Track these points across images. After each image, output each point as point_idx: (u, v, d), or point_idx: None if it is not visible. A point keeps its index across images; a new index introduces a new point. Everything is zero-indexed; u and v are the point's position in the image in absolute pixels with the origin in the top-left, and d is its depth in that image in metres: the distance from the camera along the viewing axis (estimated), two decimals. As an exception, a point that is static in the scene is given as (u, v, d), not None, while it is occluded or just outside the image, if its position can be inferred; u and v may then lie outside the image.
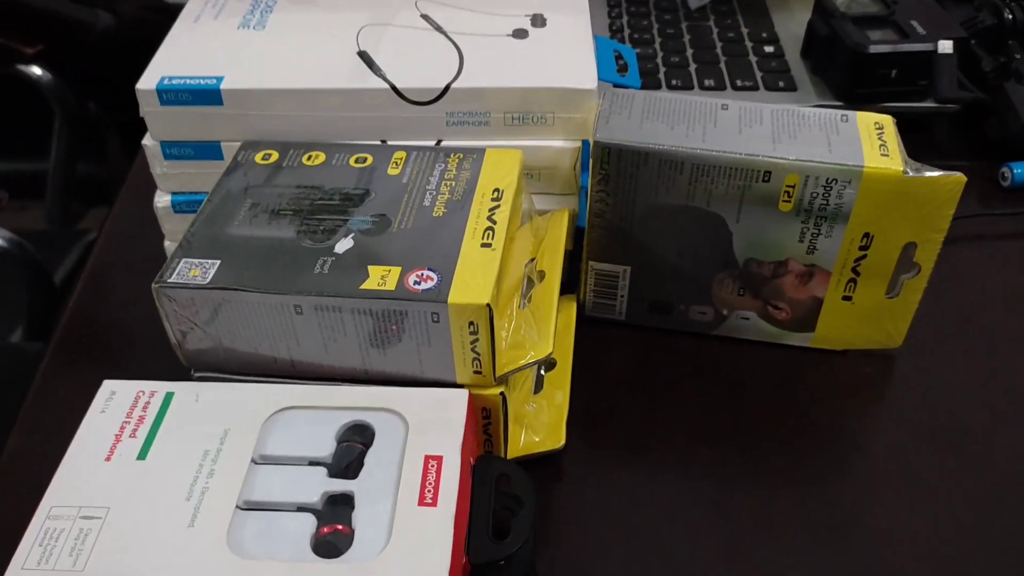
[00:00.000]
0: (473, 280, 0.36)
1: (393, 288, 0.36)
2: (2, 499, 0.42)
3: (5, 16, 1.01)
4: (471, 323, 0.36)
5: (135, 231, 0.57)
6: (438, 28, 0.48)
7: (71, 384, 0.47)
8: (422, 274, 0.37)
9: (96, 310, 0.52)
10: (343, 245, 0.38)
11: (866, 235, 0.42)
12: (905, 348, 0.47)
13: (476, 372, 0.38)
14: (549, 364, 0.45)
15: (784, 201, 0.42)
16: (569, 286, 0.49)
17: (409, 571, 0.32)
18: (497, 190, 0.41)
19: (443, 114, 0.45)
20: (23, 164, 1.33)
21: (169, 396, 0.38)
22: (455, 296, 0.36)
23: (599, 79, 0.47)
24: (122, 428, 0.37)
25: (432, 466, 0.35)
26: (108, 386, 0.38)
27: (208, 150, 0.46)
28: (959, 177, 0.40)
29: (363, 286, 0.36)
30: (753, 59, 0.66)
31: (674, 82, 0.64)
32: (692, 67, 0.65)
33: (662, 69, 0.65)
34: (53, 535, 0.33)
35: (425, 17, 0.49)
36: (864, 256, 0.43)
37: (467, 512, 0.35)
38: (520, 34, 0.48)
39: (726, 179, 0.41)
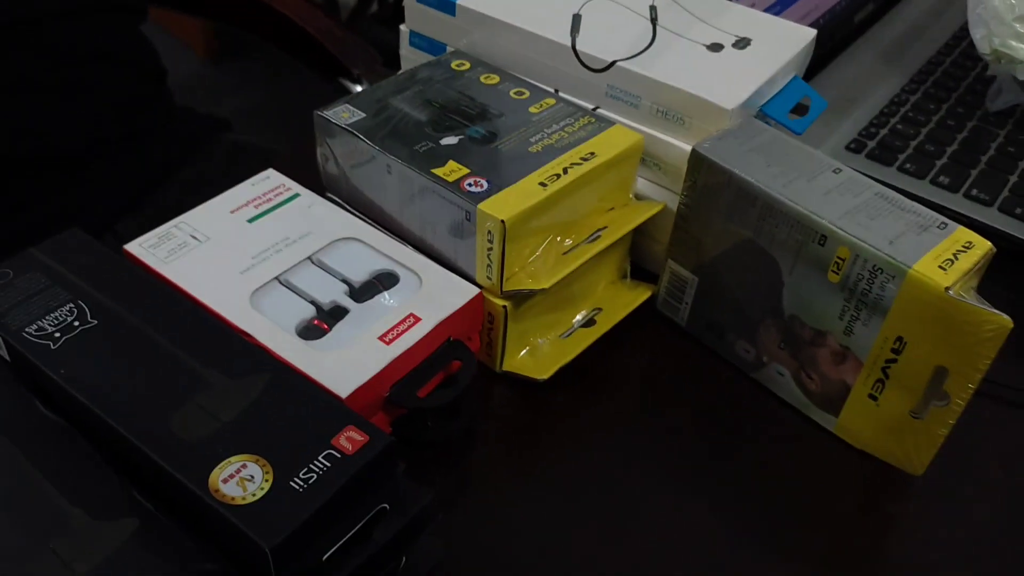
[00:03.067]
0: (509, 202, 0.43)
1: (451, 181, 0.44)
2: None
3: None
4: (490, 232, 0.43)
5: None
6: (653, 19, 0.54)
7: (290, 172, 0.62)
8: (479, 181, 0.44)
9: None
10: (448, 140, 0.47)
11: (900, 339, 0.41)
12: (929, 477, 0.44)
13: (488, 278, 0.45)
14: (589, 322, 0.50)
15: (833, 271, 0.42)
16: (656, 279, 0.53)
17: (330, 375, 0.40)
18: (592, 154, 0.47)
19: (605, 85, 0.51)
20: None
21: (295, 195, 0.50)
22: (486, 205, 0.43)
23: (761, 110, 0.50)
24: (255, 199, 0.50)
25: (408, 321, 0.43)
26: (268, 172, 0.52)
27: (437, 48, 0.57)
28: (1004, 320, 0.38)
29: (434, 170, 0.45)
30: (1013, 179, 0.61)
31: (908, 166, 0.62)
32: (941, 161, 0.62)
33: (908, 151, 0.63)
34: (168, 236, 0.47)
35: (652, 7, 0.55)
36: (895, 360, 0.42)
37: (411, 366, 0.43)
38: (716, 48, 0.52)
39: (787, 228, 0.43)
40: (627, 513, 0.43)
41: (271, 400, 0.38)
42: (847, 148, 0.64)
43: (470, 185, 0.44)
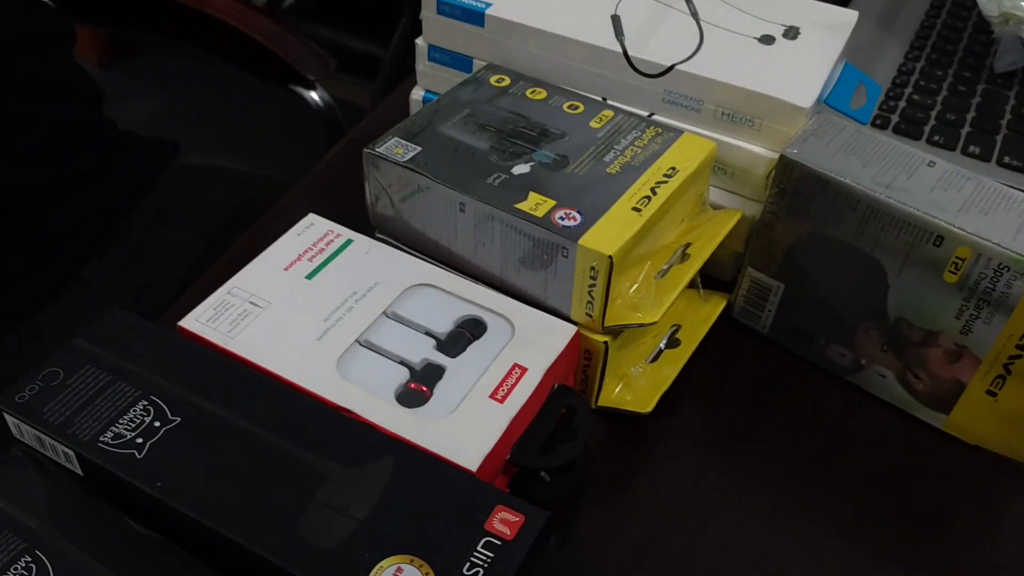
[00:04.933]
0: (609, 233, 0.40)
1: (541, 216, 0.41)
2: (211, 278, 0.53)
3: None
4: (593, 268, 0.40)
5: (400, 116, 0.66)
6: (694, 14, 0.51)
7: (305, 210, 0.57)
8: (570, 213, 0.41)
9: (340, 165, 0.62)
10: (520, 169, 0.44)
11: (1025, 335, 0.40)
12: (1045, 471, 0.44)
13: (588, 315, 0.42)
14: (673, 342, 0.48)
15: (950, 272, 0.41)
16: (728, 287, 0.51)
17: (453, 445, 0.37)
18: (673, 169, 0.44)
19: (662, 90, 0.48)
20: (370, 46, 1.52)
21: (348, 242, 0.46)
22: (587, 240, 0.40)
23: (825, 103, 0.48)
24: (306, 251, 0.45)
25: (516, 373, 0.40)
26: (310, 218, 0.47)
27: (462, 62, 0.53)
28: None
29: (518, 205, 0.42)
30: (1037, 141, 0.61)
31: (936, 138, 0.61)
32: (965, 129, 0.62)
33: (931, 122, 0.63)
34: (224, 306, 0.42)
35: (688, 2, 0.52)
36: (1021, 356, 0.41)
37: (527, 422, 0.40)
38: (767, 40, 0.49)
39: (896, 231, 0.41)
40: (745, 535, 0.41)
41: (402, 487, 0.35)
42: (873, 124, 0.63)
43: (561, 218, 0.41)
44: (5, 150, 0.68)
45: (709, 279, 0.52)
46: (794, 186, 0.44)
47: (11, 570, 0.34)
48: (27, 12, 0.71)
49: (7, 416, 0.38)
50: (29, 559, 0.34)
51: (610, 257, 0.39)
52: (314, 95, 0.97)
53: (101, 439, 0.36)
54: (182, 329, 0.41)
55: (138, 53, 1.98)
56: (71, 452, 0.36)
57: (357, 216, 0.49)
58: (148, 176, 0.80)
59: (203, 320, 0.41)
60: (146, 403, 0.37)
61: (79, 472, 0.37)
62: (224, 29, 0.94)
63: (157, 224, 0.79)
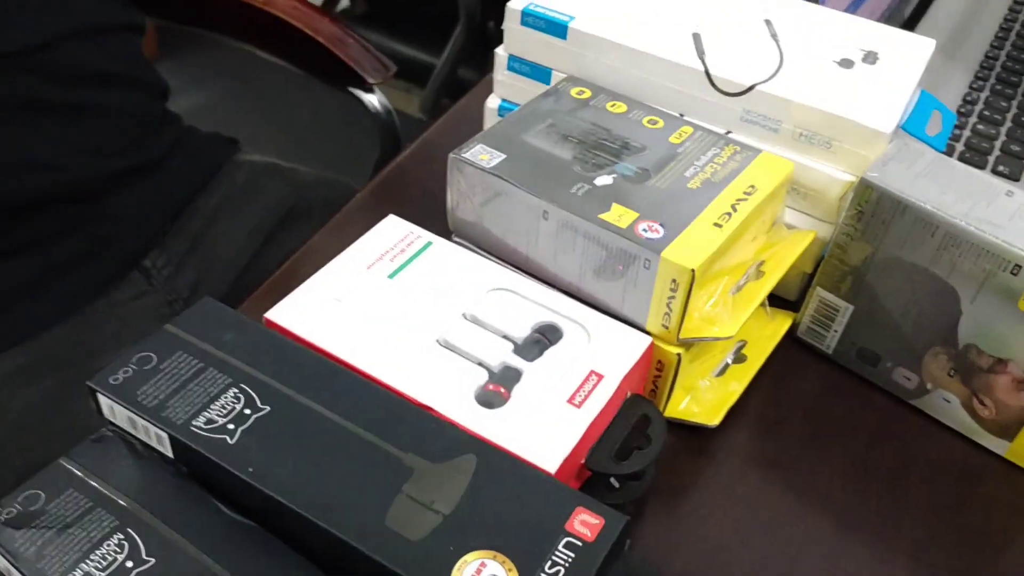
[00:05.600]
0: (691, 247, 0.41)
1: (624, 227, 0.42)
2: (296, 275, 0.54)
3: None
4: (674, 281, 0.41)
5: (467, 123, 0.67)
6: (773, 35, 0.52)
7: (378, 210, 0.58)
8: (652, 226, 0.42)
9: (411, 168, 0.63)
10: (603, 180, 0.45)
11: (1101, 367, 0.40)
12: (1109, 504, 0.44)
13: (664, 327, 0.43)
14: (739, 357, 0.49)
15: (1026, 301, 0.41)
16: (793, 305, 0.52)
17: (532, 447, 0.38)
18: (752, 187, 0.45)
19: (740, 109, 0.49)
20: (420, 54, 1.53)
21: (428, 244, 0.47)
22: (669, 252, 0.41)
23: (902, 129, 0.48)
24: (388, 251, 0.46)
25: (592, 379, 0.41)
26: (391, 220, 0.48)
27: (541, 73, 0.54)
28: None
29: (601, 215, 0.42)
30: (1103, 176, 0.61)
31: (1001, 168, 0.62)
32: (1030, 161, 0.62)
33: (996, 152, 0.63)
34: (310, 301, 0.43)
35: (767, 22, 0.53)
36: (1092, 388, 0.41)
37: (602, 428, 0.41)
38: (846, 64, 0.50)
39: (974, 258, 0.42)
40: (809, 552, 0.42)
41: (485, 484, 0.36)
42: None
43: (644, 230, 0.42)
44: (74, 139, 0.69)
45: (774, 297, 0.52)
46: (872, 209, 0.44)
47: (103, 546, 0.35)
48: (103, 4, 0.73)
49: (100, 396, 0.39)
50: (121, 536, 0.35)
51: (692, 271, 0.40)
52: (372, 99, 0.99)
53: (194, 423, 0.37)
54: (268, 321, 0.42)
55: (186, 47, 2.01)
56: (164, 434, 0.37)
57: (427, 219, 0.50)
58: (209, 170, 0.82)
59: (290, 313, 0.43)
60: (236, 391, 0.38)
61: (170, 455, 0.38)
62: (288, 29, 0.96)
63: (217, 217, 0.80)
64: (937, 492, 0.45)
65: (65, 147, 0.68)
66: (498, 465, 0.36)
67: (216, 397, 0.38)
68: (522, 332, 0.43)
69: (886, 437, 0.47)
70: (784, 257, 0.46)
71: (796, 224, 0.50)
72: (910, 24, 0.78)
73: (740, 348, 0.49)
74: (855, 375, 0.50)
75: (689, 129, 0.49)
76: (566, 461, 0.38)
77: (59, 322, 0.69)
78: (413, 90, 1.61)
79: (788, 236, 0.48)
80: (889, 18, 0.73)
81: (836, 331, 0.49)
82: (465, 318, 0.44)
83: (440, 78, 1.45)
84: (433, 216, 0.57)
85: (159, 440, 0.38)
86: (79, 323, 0.70)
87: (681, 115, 0.51)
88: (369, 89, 0.99)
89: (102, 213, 0.72)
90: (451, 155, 0.46)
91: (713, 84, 0.49)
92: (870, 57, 0.51)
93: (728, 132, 0.50)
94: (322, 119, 1.41)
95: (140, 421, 0.38)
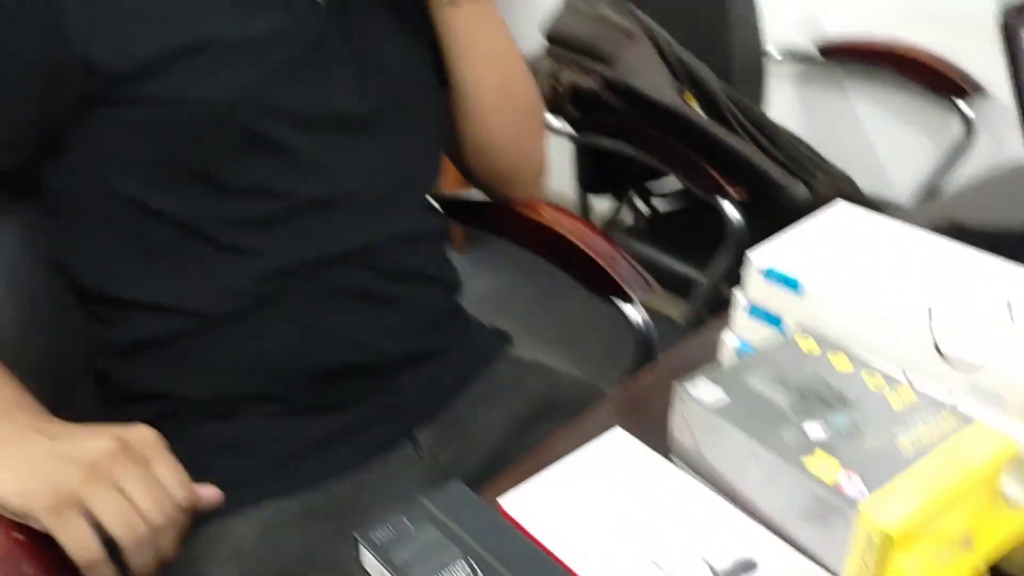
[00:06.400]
0: (892, 508, 0.43)
1: (827, 478, 0.45)
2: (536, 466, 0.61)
3: (727, 162, 1.29)
4: (870, 539, 0.43)
5: (708, 346, 0.73)
6: (1008, 305, 0.54)
7: (618, 416, 0.65)
8: (855, 480, 0.45)
9: (651, 384, 0.69)
10: (813, 429, 0.48)
11: None
12: None
13: (861, 581, 0.44)
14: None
15: None
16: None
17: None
18: (966, 457, 0.46)
19: (968, 383, 0.51)
20: (687, 268, 1.63)
21: (646, 461, 0.52)
22: (868, 510, 0.43)
23: None
24: (606, 463, 0.52)
25: (781, 619, 0.43)
26: (617, 432, 0.55)
27: (774, 320, 0.59)
28: None
29: (806, 464, 0.46)
30: None
31: None
32: None
33: None
34: (539, 494, 0.50)
35: (1008, 304, 0.55)
36: None
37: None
38: (1086, 349, 0.50)
39: None
40: None
41: None
42: None
43: (846, 484, 0.45)
44: (383, 324, 0.84)
45: (999, 572, 0.51)
46: (1097, 501, 0.44)
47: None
48: (421, 215, 0.89)
49: (361, 547, 0.48)
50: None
51: (889, 534, 0.42)
52: (632, 311, 1.08)
53: (428, 583, 0.45)
54: (499, 504, 0.50)
55: (486, 236, 2.29)
56: (402, 589, 0.45)
57: (657, 433, 0.55)
58: (484, 360, 0.93)
59: (519, 502, 0.50)
60: (464, 563, 0.46)
61: (402, 606, 0.45)
62: (567, 244, 1.09)
63: (481, 402, 0.91)
64: None
65: (375, 330, 0.82)
66: None
67: (446, 564, 0.45)
68: (722, 560, 0.47)
69: None
70: (992, 534, 0.46)
71: (1020, 499, 0.50)
72: None
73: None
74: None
75: (910, 393, 0.51)
76: None
77: (342, 474, 0.81)
78: (677, 299, 1.70)
79: (1007, 515, 0.48)
80: None
81: (1061, 622, 0.47)
82: (672, 536, 0.48)
83: (703, 296, 1.53)
84: (662, 431, 0.62)
85: (400, 594, 0.46)
86: (355, 478, 0.81)
87: (904, 371, 0.53)
88: (629, 300, 1.08)
89: (391, 387, 0.85)
90: (677, 385, 0.52)
91: (942, 356, 0.51)
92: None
93: (952, 405, 0.52)
94: (588, 317, 1.53)
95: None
